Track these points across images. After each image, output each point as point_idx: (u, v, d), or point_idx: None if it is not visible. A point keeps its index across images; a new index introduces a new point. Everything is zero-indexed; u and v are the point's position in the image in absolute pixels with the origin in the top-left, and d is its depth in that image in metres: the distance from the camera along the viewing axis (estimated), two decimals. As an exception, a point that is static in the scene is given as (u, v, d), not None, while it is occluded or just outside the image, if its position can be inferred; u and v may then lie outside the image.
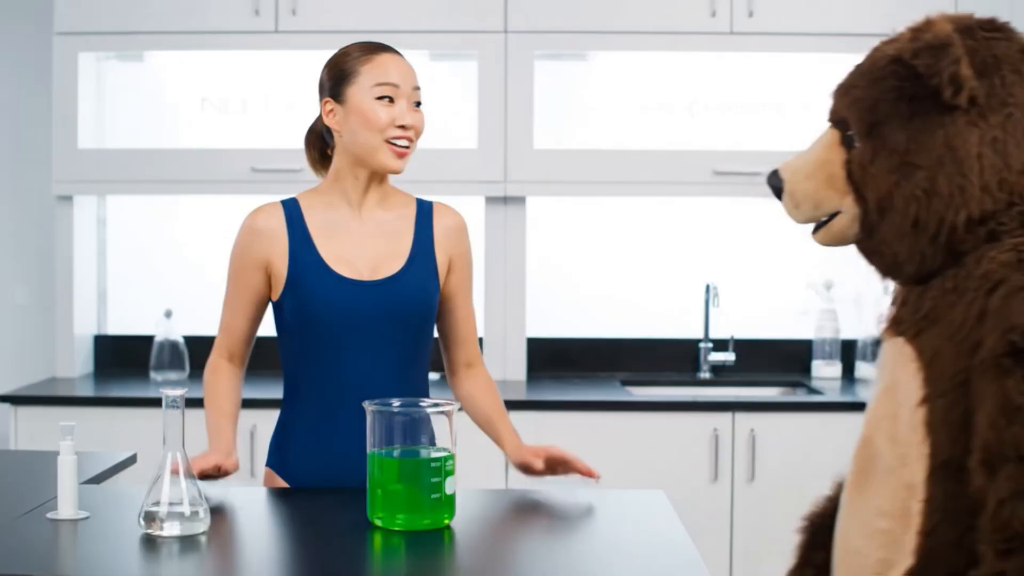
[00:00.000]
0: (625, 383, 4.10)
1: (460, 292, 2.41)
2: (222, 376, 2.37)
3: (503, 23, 3.97)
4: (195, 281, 4.26)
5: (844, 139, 1.78)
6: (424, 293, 2.33)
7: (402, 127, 2.27)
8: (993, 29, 1.74)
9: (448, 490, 1.98)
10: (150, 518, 1.92)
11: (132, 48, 4.07)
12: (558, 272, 4.30)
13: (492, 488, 2.34)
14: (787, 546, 1.90)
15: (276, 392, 2.83)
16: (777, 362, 4.27)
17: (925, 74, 1.68)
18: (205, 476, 2.17)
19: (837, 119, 1.80)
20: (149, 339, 4.14)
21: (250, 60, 4.19)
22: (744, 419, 3.68)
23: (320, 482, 2.30)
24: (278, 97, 4.24)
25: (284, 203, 2.35)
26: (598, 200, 4.23)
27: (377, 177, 2.33)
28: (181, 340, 4.10)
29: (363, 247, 2.32)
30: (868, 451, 1.77)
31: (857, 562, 1.75)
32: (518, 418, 3.69)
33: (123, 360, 4.27)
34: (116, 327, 4.33)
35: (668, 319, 4.29)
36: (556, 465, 2.32)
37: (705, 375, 4.21)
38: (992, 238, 1.68)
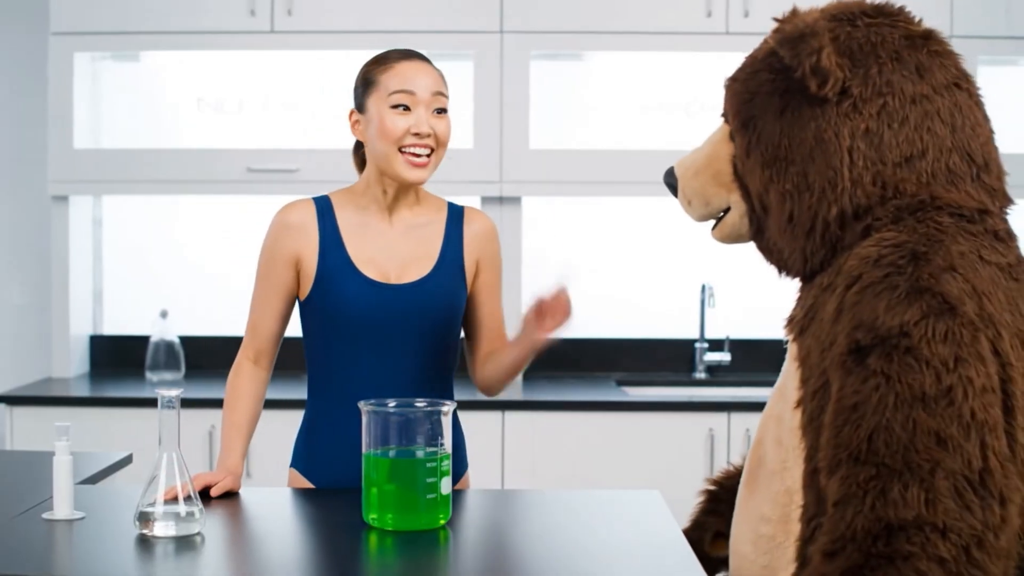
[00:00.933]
0: (621, 383, 4.10)
1: (485, 291, 2.39)
2: (243, 381, 2.32)
3: (499, 23, 3.97)
4: (191, 281, 4.26)
5: (732, 134, 1.70)
6: (450, 298, 2.31)
7: (417, 135, 2.22)
8: (880, 15, 1.65)
9: (443, 490, 1.98)
10: (145, 518, 1.93)
11: (128, 48, 4.07)
12: (554, 272, 4.29)
13: (488, 488, 2.33)
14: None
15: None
16: (773, 362, 4.22)
17: (790, 66, 1.60)
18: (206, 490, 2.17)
19: (724, 113, 1.73)
20: (145, 339, 4.14)
21: (246, 60, 4.19)
22: (740, 419, 3.68)
23: (345, 484, 2.25)
24: (274, 97, 4.23)
25: (316, 200, 2.32)
26: (594, 200, 4.23)
27: (406, 188, 2.30)
28: (177, 340, 4.10)
29: (392, 250, 2.30)
30: (758, 453, 1.71)
31: (744, 567, 1.69)
32: (515, 418, 3.72)
33: (119, 360, 4.27)
34: (112, 327, 4.33)
35: (664, 319, 4.30)
36: (547, 316, 2.31)
37: (701, 375, 4.21)
38: (867, 233, 1.60)
